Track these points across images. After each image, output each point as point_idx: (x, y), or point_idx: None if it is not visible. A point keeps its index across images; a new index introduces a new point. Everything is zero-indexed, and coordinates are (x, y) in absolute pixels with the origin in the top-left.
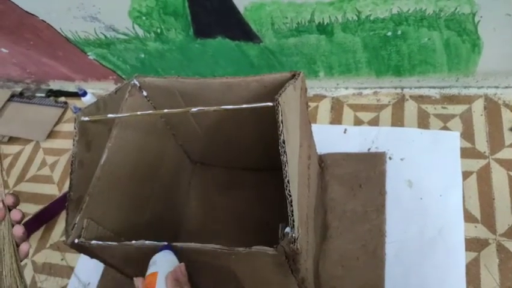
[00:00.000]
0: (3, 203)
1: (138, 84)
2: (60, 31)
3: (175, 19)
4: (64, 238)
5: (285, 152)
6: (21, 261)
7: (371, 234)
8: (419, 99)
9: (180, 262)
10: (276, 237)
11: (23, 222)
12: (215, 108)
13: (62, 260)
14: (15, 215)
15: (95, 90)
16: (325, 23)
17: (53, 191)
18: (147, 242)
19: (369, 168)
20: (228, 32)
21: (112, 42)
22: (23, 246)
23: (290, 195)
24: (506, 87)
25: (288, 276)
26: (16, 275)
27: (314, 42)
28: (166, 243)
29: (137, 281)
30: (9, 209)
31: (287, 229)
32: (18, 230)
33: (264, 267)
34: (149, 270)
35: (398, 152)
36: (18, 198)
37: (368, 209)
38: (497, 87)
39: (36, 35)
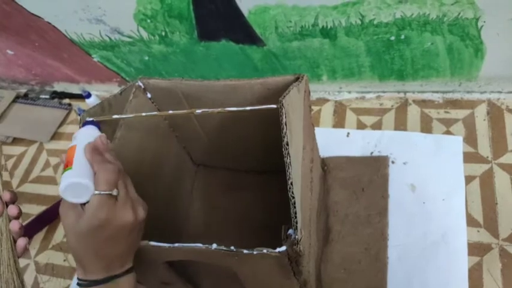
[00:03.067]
0: (1, 199)
1: (142, 86)
2: (65, 33)
3: (179, 22)
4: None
5: (288, 153)
6: (19, 256)
7: (374, 237)
8: (422, 103)
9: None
10: (279, 240)
11: (26, 223)
12: (219, 110)
13: (64, 260)
14: (12, 210)
15: (99, 92)
16: (328, 27)
17: (56, 192)
18: (151, 242)
19: (372, 172)
20: (232, 35)
21: (117, 44)
22: (20, 242)
23: (293, 197)
24: (510, 92)
25: (290, 279)
26: (13, 270)
27: (318, 46)
28: (89, 119)
29: (62, 156)
30: (6, 205)
31: (290, 231)
32: (15, 225)
33: (266, 268)
34: (70, 145)
35: (401, 156)
36: (15, 194)
37: (370, 212)
38: (500, 92)
39: (41, 37)
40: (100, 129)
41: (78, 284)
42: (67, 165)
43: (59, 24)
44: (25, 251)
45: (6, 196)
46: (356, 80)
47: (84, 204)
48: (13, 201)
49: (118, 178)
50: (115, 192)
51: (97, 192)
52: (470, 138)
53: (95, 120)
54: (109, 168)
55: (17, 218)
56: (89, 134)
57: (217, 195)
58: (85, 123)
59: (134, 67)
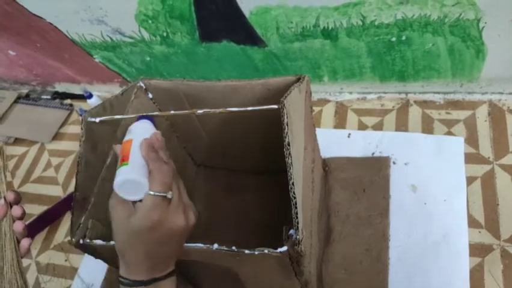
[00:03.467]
0: (4, 200)
1: (144, 87)
2: (67, 34)
3: (181, 23)
4: (68, 239)
5: (289, 154)
6: (22, 257)
7: (375, 238)
8: (423, 104)
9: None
10: (280, 240)
11: (27, 223)
12: (220, 110)
13: (65, 260)
14: (16, 211)
15: (100, 92)
16: (330, 28)
17: (57, 192)
18: None
19: (373, 173)
20: (233, 36)
21: (118, 45)
22: (24, 242)
23: (295, 197)
24: (511, 93)
25: (291, 279)
26: (16, 271)
27: (319, 46)
28: (143, 114)
29: (117, 147)
30: (11, 205)
31: (291, 231)
32: (19, 225)
33: (267, 269)
34: (125, 138)
35: (402, 157)
36: (19, 195)
37: (371, 213)
38: (501, 93)
39: (43, 38)
40: (154, 124)
41: (120, 281)
42: (123, 160)
43: (61, 24)
44: (28, 251)
45: (11, 197)
46: (357, 81)
47: (135, 201)
48: (17, 201)
49: (172, 180)
50: (169, 195)
51: (151, 192)
52: (472, 139)
53: (148, 114)
54: (165, 169)
55: (20, 218)
56: (145, 129)
57: (218, 195)
58: (139, 117)
59: (136, 68)
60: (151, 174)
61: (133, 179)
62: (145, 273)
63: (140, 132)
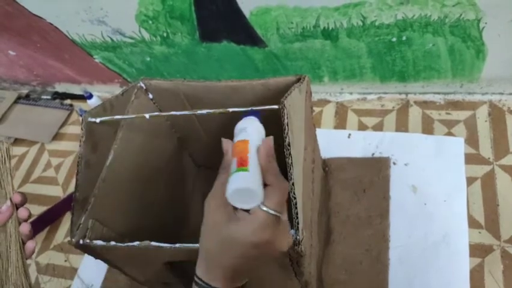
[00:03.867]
0: (11, 201)
1: (144, 87)
2: (67, 34)
3: (181, 23)
4: (68, 239)
5: (290, 154)
6: (27, 258)
7: (375, 239)
8: (424, 104)
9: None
10: None
11: None
12: (221, 110)
13: (65, 261)
14: (22, 213)
15: (100, 93)
16: (330, 28)
17: (57, 192)
18: (152, 243)
19: (373, 173)
20: (234, 36)
21: (118, 45)
22: (29, 244)
23: (295, 198)
24: (511, 93)
25: (291, 280)
26: (21, 272)
27: (319, 47)
28: (252, 109)
29: (227, 142)
30: (17, 207)
31: (291, 231)
32: (25, 227)
33: (267, 269)
34: (240, 137)
35: (402, 157)
36: (25, 196)
37: (371, 213)
38: (501, 93)
39: (43, 38)
40: (260, 120)
41: (195, 281)
42: (242, 165)
43: (61, 25)
44: (33, 253)
45: (17, 198)
46: (358, 81)
47: (235, 207)
48: (23, 203)
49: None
50: (284, 217)
51: (264, 208)
52: (472, 140)
53: (255, 110)
54: (284, 187)
55: (26, 220)
56: (256, 128)
57: None
58: (249, 114)
59: (136, 68)
60: (269, 189)
61: (252, 189)
62: (225, 282)
63: (254, 132)
